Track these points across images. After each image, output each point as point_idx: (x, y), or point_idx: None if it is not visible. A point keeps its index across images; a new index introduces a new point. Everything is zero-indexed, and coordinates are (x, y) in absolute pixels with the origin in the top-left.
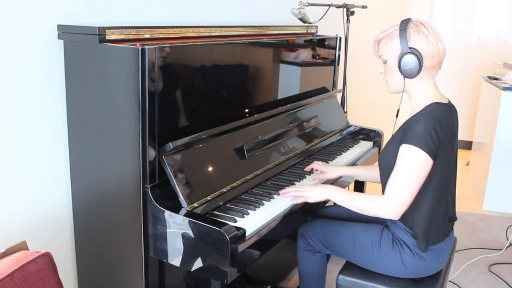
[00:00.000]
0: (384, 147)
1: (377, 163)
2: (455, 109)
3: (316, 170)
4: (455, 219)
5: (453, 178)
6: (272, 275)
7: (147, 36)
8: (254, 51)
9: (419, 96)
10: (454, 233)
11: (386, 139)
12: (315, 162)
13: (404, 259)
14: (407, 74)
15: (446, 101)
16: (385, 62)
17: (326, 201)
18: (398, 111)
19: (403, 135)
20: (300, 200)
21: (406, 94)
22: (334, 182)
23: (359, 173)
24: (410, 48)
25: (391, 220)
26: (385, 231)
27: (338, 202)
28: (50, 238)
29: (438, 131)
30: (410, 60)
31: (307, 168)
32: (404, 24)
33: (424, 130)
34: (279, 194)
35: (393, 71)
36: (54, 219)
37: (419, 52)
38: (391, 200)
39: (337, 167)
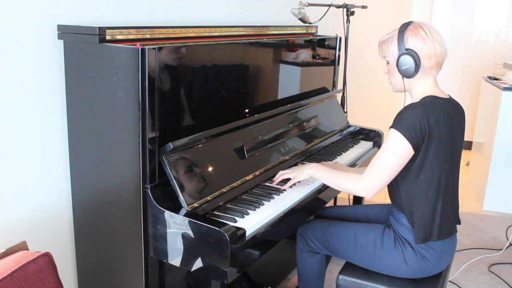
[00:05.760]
0: None
1: (357, 168)
2: (459, 106)
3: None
4: (459, 221)
5: (457, 177)
6: (272, 275)
7: (147, 36)
8: (254, 51)
9: (418, 92)
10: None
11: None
12: (280, 172)
13: (407, 258)
14: (405, 74)
15: (445, 97)
16: (388, 63)
17: (325, 202)
18: None
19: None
20: (288, 184)
21: (408, 93)
22: None
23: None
24: (406, 49)
25: (393, 218)
26: (386, 230)
27: (321, 180)
28: (50, 238)
29: (425, 121)
30: (406, 60)
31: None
32: (403, 27)
33: (409, 117)
34: (279, 194)
35: (394, 71)
36: (54, 219)
37: (416, 53)
38: (367, 179)
39: (306, 165)
